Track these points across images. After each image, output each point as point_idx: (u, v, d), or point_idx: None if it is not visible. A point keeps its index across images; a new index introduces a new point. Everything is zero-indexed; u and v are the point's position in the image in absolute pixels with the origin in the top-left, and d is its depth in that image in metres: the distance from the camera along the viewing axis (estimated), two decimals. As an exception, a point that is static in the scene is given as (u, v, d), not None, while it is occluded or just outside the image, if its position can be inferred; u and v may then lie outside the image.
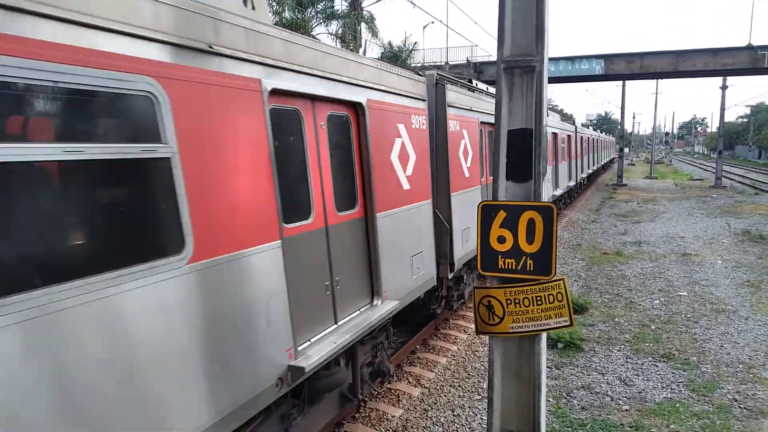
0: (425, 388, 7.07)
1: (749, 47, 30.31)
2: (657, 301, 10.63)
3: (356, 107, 5.56)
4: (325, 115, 5.05)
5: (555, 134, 19.41)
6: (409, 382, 7.19)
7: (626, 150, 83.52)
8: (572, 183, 23.54)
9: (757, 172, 53.74)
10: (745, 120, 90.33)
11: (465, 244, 8.60)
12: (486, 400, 5.63)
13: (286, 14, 28.89)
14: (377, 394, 6.86)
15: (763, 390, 6.86)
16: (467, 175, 8.82)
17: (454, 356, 8.11)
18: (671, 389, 6.94)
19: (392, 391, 6.92)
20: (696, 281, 12.06)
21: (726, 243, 16.55)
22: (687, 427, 6.00)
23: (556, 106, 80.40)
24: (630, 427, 6.03)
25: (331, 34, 31.91)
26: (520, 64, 3.21)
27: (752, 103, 79.65)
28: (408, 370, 7.51)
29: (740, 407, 6.44)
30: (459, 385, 7.18)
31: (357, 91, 5.50)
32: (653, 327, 9.19)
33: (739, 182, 39.87)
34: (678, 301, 10.63)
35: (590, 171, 33.62)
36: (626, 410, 6.43)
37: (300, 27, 27.51)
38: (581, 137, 28.44)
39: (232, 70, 3.77)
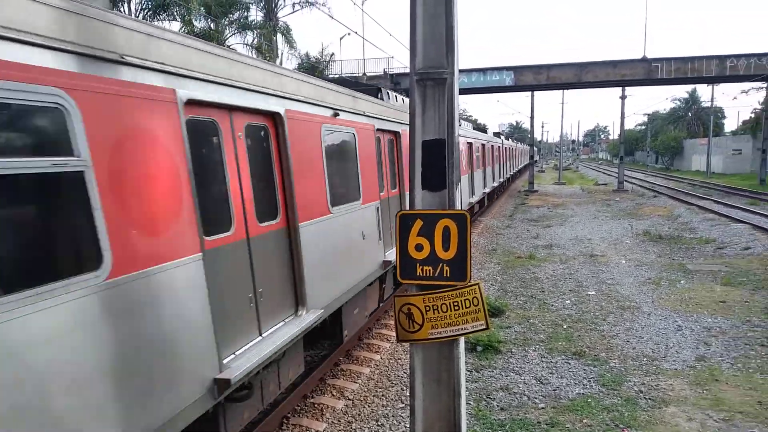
0: (349, 399, 7.05)
1: (644, 59, 32.66)
2: (568, 301, 11.16)
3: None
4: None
5: (470, 143, 20.00)
6: (333, 395, 7.16)
7: (536, 157, 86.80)
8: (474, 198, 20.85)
9: (655, 176, 57.84)
10: (643, 127, 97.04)
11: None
12: (409, 408, 5.70)
13: (198, 24, 28.20)
14: (300, 409, 6.78)
15: (665, 380, 7.35)
16: None
17: (377, 365, 8.15)
18: (583, 385, 7.30)
19: (315, 405, 6.86)
20: (603, 281, 12.77)
21: (629, 243, 17.66)
22: (599, 421, 6.32)
23: (470, 116, 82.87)
24: (546, 424, 6.29)
25: (247, 45, 31.51)
26: (432, 76, 3.31)
27: (648, 112, 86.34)
28: (331, 383, 7.47)
29: (645, 398, 6.87)
30: (383, 395, 7.22)
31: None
32: (565, 326, 9.64)
33: (640, 186, 42.68)
34: (587, 300, 11.21)
35: (501, 180, 34.22)
36: (542, 408, 6.70)
37: (213, 38, 26.95)
38: (492, 146, 29.40)
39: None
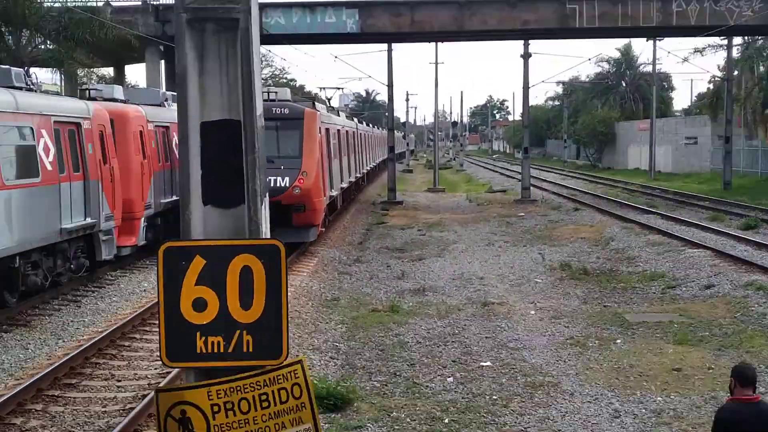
0: None
1: (556, -1, 34.56)
2: (450, 379, 11.53)
3: None
4: None
5: None
6: None
7: (412, 146, 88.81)
8: None
9: (576, 178, 61.75)
10: (557, 103, 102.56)
11: None
12: None
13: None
14: None
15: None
16: None
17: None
18: None
19: None
20: (503, 344, 13.38)
21: (540, 283, 18.77)
22: None
23: (292, 79, 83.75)
24: None
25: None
26: (214, 14, 3.26)
27: (564, 80, 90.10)
28: None
29: None
30: None
31: None
32: (447, 420, 9.91)
33: (554, 193, 45.60)
34: (480, 375, 11.66)
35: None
36: None
37: None
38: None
39: None
